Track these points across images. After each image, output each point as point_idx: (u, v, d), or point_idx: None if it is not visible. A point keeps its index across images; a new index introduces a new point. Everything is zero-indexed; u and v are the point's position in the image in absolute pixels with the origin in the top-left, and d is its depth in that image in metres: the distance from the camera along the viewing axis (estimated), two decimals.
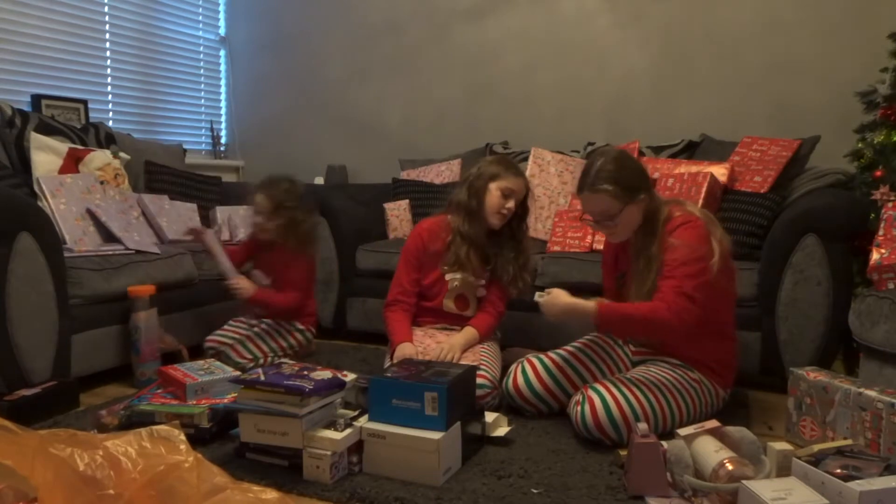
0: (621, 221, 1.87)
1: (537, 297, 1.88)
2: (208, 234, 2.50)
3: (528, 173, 3.13)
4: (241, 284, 2.41)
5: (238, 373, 1.99)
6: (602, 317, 1.78)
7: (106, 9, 3.51)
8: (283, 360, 2.41)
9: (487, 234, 2.28)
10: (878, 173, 2.30)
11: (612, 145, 3.10)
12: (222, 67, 4.33)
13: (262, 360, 2.42)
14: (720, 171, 2.64)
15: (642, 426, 1.53)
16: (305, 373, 1.67)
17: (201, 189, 3.33)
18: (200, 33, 4.15)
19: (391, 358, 2.21)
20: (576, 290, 2.26)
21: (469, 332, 2.23)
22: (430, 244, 2.31)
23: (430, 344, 2.19)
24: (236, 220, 3.15)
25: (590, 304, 1.80)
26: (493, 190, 2.22)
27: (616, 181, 1.83)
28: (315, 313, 2.72)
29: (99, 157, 2.89)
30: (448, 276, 2.29)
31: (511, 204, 2.22)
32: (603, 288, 2.21)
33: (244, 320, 2.64)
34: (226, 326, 2.59)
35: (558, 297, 1.84)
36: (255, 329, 2.55)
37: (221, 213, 3.19)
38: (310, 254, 2.61)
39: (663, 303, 1.76)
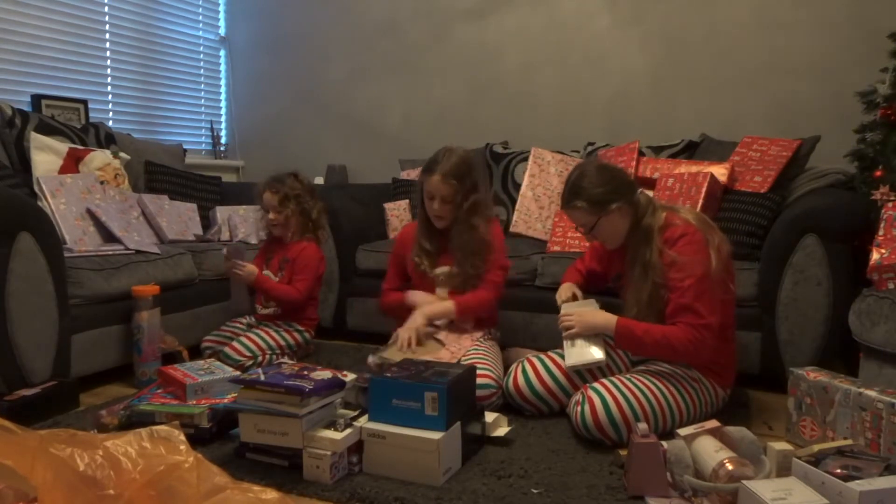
0: (600, 232, 1.95)
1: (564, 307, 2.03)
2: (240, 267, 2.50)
3: (528, 173, 3.14)
4: (247, 269, 2.48)
5: (238, 372, 1.99)
6: (620, 331, 1.87)
7: (106, 9, 3.51)
8: (282, 360, 2.41)
9: (447, 234, 2.32)
10: (878, 173, 2.30)
11: (612, 146, 3.12)
12: (222, 67, 4.33)
13: (260, 358, 2.42)
14: (720, 171, 2.64)
15: (642, 426, 1.53)
16: (305, 373, 1.68)
17: (201, 189, 3.33)
18: (200, 33, 4.15)
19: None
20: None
21: (444, 304, 2.26)
22: (408, 247, 2.39)
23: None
24: (236, 220, 3.15)
25: (611, 318, 1.89)
26: (424, 196, 2.30)
27: (585, 197, 1.90)
28: (316, 317, 2.72)
29: (99, 157, 2.89)
30: (436, 272, 2.33)
31: (436, 205, 2.25)
32: (580, 264, 2.29)
33: (241, 321, 2.64)
34: (223, 327, 2.60)
35: (587, 317, 1.96)
36: (254, 329, 2.55)
37: (221, 213, 3.19)
38: (320, 240, 2.66)
39: (682, 333, 1.79)
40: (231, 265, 2.47)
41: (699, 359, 1.85)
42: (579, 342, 1.96)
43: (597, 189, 1.90)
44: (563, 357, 1.99)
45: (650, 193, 2.71)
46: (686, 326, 1.79)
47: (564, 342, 1.99)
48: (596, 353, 1.93)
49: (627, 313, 1.91)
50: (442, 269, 2.33)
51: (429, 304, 2.26)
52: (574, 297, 2.15)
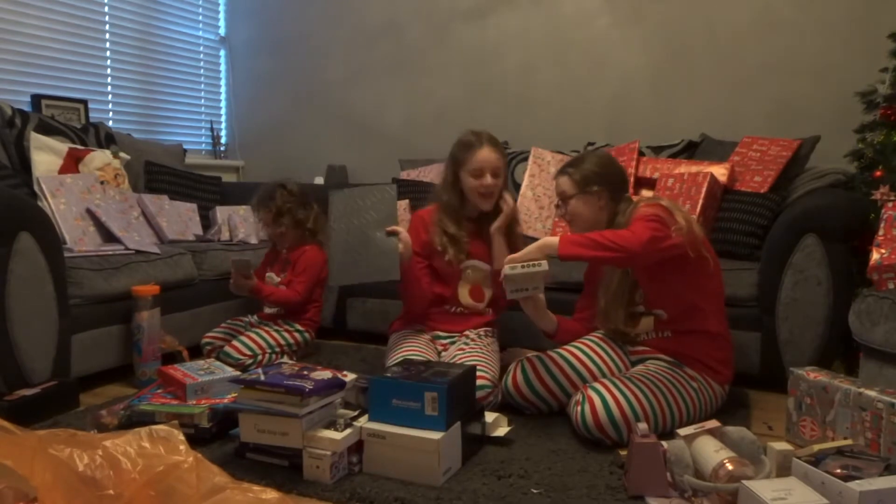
0: (572, 208, 1.99)
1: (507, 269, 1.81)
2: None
3: (527, 173, 3.14)
4: (249, 284, 2.49)
5: (238, 372, 1.99)
6: (564, 239, 1.76)
7: (106, 9, 3.51)
8: (282, 360, 2.41)
9: (475, 218, 2.26)
10: (878, 173, 2.30)
11: (612, 146, 3.12)
12: (222, 67, 4.33)
13: (259, 357, 2.43)
14: (720, 171, 2.64)
15: (642, 426, 1.53)
16: (305, 373, 1.68)
17: (201, 189, 3.33)
18: (200, 33, 4.15)
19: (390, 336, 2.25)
20: (576, 290, 2.28)
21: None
22: (421, 233, 2.28)
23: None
24: (236, 220, 3.15)
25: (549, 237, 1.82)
26: (465, 176, 2.20)
27: (580, 168, 1.99)
28: (318, 319, 2.73)
29: (99, 157, 2.89)
30: (463, 265, 2.26)
31: (487, 180, 2.16)
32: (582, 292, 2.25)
33: (242, 319, 2.66)
34: (223, 324, 2.61)
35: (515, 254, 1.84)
36: (254, 328, 2.56)
37: (221, 213, 3.19)
38: (321, 243, 2.66)
39: (630, 229, 1.78)
40: (238, 279, 2.49)
41: (645, 250, 1.72)
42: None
43: (593, 168, 1.99)
44: (562, 356, 1.99)
45: (649, 194, 2.74)
46: (635, 225, 1.78)
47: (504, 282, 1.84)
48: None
49: (607, 309, 1.98)
50: (472, 263, 2.26)
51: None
52: None
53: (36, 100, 3.11)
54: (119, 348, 2.36)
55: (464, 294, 2.30)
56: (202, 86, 4.20)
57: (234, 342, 2.43)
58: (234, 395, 1.81)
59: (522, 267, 1.78)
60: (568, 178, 2.01)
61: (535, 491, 1.52)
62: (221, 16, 4.30)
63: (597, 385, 1.81)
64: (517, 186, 3.19)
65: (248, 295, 2.53)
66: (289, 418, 1.58)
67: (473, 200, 2.22)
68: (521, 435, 1.85)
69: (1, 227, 1.97)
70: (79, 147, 2.88)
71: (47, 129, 2.83)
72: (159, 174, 3.22)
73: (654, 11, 3.29)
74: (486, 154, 2.17)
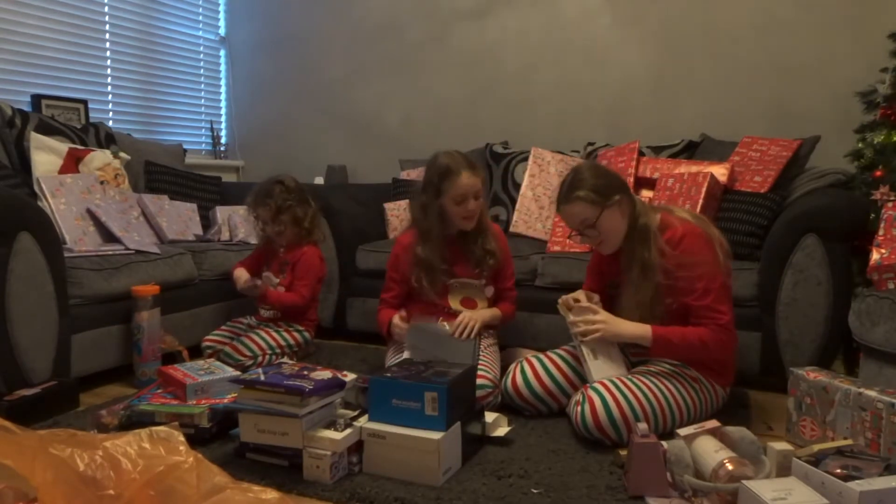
0: (602, 228, 1.88)
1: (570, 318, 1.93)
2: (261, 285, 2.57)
3: (528, 173, 3.14)
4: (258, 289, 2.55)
5: (238, 372, 1.99)
6: (657, 340, 1.83)
7: (106, 9, 3.52)
8: (282, 360, 2.41)
9: (456, 235, 2.27)
10: (878, 173, 2.30)
11: (612, 146, 3.12)
12: (222, 67, 4.33)
13: (260, 358, 2.43)
14: (720, 171, 2.64)
15: (642, 426, 1.53)
16: (305, 373, 1.68)
17: (201, 189, 3.33)
18: (200, 33, 4.15)
19: (389, 342, 2.30)
20: (575, 289, 2.27)
21: (492, 310, 2.29)
22: (404, 260, 2.30)
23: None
24: (236, 220, 3.15)
25: (645, 328, 1.85)
26: (447, 203, 2.18)
27: (588, 187, 1.86)
28: (316, 318, 2.73)
29: (99, 157, 2.89)
30: (449, 282, 2.29)
31: (470, 205, 2.17)
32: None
33: (242, 320, 2.66)
34: (223, 327, 2.61)
35: (616, 325, 1.88)
36: (254, 329, 2.56)
37: (221, 213, 3.19)
38: (317, 242, 2.68)
39: (713, 334, 1.82)
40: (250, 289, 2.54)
41: (724, 356, 1.88)
42: (601, 356, 1.90)
43: (598, 181, 1.88)
44: (561, 357, 1.99)
45: (650, 194, 2.74)
46: (715, 327, 1.82)
47: (584, 350, 1.90)
48: (622, 370, 1.90)
49: (627, 316, 1.89)
50: (458, 280, 2.29)
51: (474, 313, 2.22)
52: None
53: (36, 100, 3.11)
54: (119, 348, 2.36)
55: (455, 303, 2.31)
56: (202, 86, 4.20)
57: (235, 343, 2.43)
58: (234, 395, 1.81)
59: (601, 358, 1.90)
60: (582, 202, 1.85)
61: (535, 491, 1.52)
62: (221, 16, 4.30)
63: (597, 385, 1.80)
64: (517, 186, 3.19)
65: (254, 297, 2.58)
66: (289, 418, 1.58)
67: (456, 223, 2.24)
68: (521, 435, 1.85)
69: (1, 227, 1.97)
70: (79, 147, 2.88)
71: (47, 129, 2.83)
72: (159, 174, 3.22)
73: (653, 11, 3.29)
74: (465, 180, 2.15)
